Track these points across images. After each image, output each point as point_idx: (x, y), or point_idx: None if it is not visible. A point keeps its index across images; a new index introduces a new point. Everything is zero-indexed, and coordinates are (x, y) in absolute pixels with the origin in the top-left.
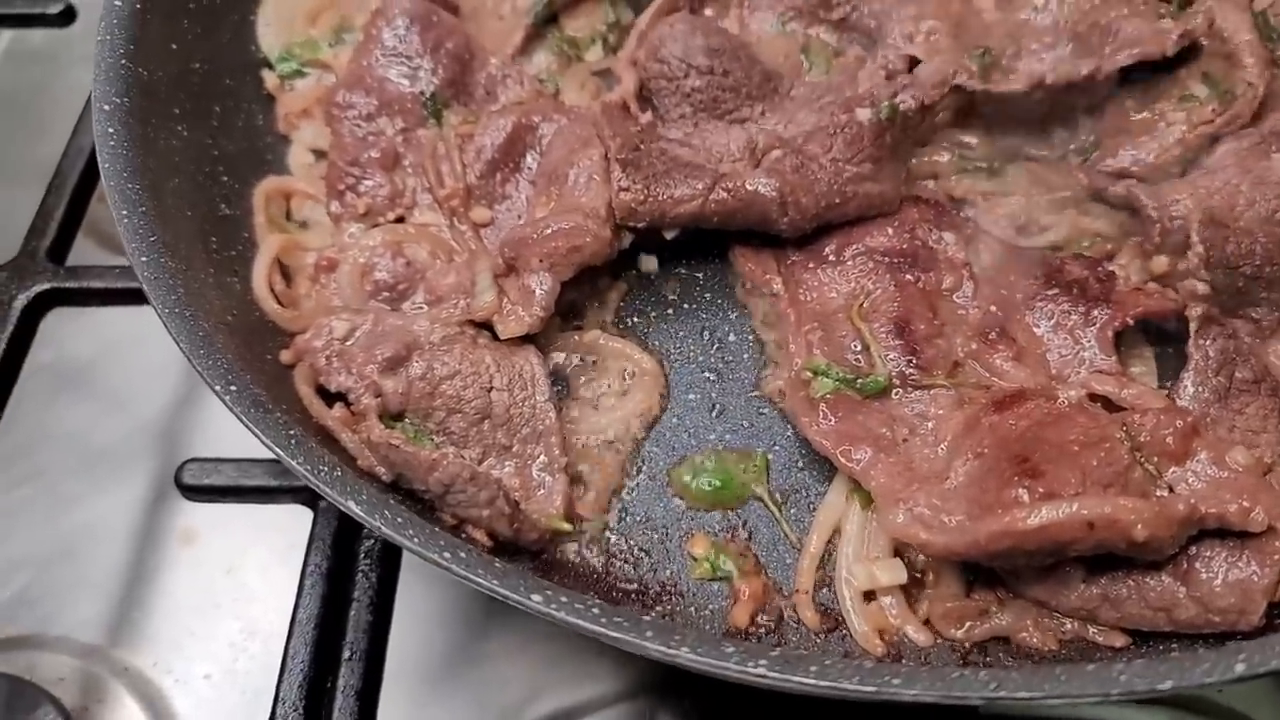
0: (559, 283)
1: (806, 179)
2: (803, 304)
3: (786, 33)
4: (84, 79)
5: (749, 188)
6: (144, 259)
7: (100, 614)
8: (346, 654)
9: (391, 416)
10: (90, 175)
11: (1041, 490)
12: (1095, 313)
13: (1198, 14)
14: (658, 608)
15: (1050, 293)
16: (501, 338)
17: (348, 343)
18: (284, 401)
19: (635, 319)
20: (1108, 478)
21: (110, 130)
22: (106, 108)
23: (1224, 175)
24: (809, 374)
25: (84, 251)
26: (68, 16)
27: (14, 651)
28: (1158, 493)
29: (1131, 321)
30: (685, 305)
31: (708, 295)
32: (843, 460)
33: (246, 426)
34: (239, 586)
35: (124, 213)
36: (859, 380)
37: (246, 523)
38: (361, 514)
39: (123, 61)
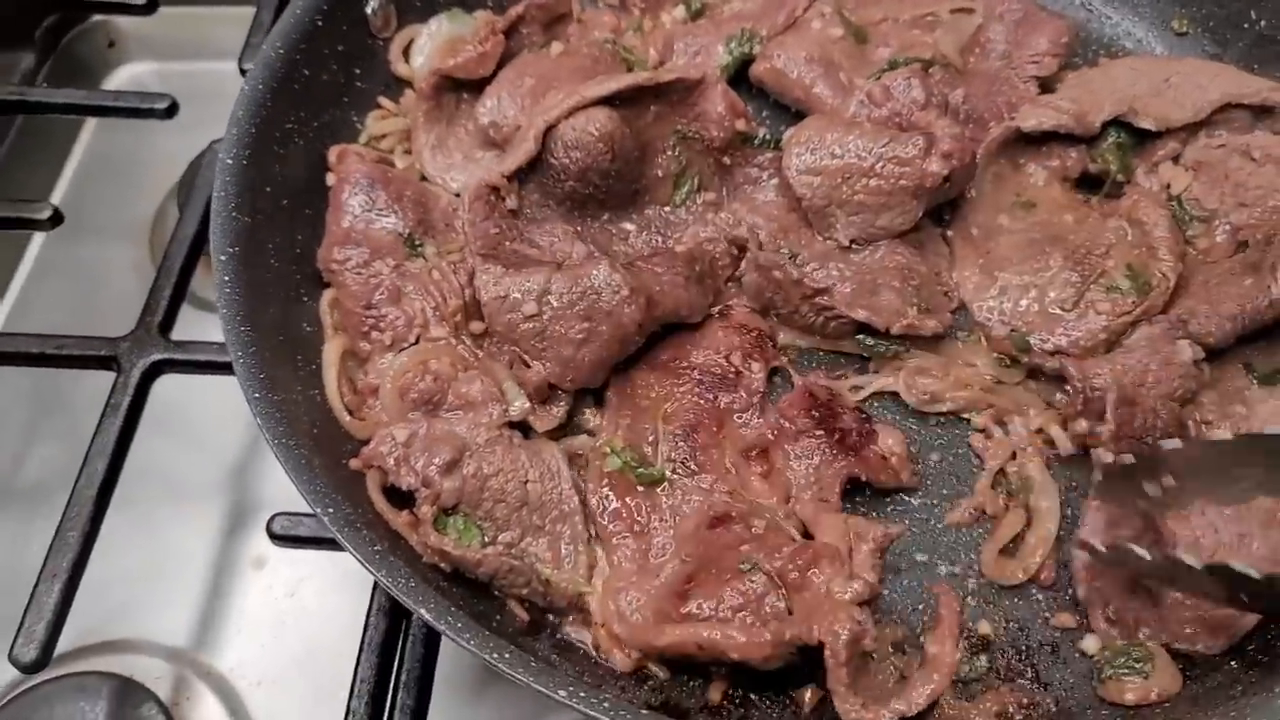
0: None
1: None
2: (625, 394)
3: (675, 155)
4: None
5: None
6: (256, 395)
7: (186, 624)
8: (403, 677)
9: (448, 510)
10: (192, 259)
11: (693, 609)
12: (839, 462)
13: None
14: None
15: (818, 434)
16: (540, 431)
17: (410, 447)
18: (359, 504)
19: None
20: (740, 604)
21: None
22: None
23: (1138, 354)
24: (606, 450)
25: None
26: (171, 111)
27: (117, 655)
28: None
29: (862, 476)
30: None
31: None
32: (609, 535)
33: (342, 544)
34: (300, 608)
35: (239, 354)
36: (640, 469)
37: (307, 555)
38: (430, 619)
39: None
